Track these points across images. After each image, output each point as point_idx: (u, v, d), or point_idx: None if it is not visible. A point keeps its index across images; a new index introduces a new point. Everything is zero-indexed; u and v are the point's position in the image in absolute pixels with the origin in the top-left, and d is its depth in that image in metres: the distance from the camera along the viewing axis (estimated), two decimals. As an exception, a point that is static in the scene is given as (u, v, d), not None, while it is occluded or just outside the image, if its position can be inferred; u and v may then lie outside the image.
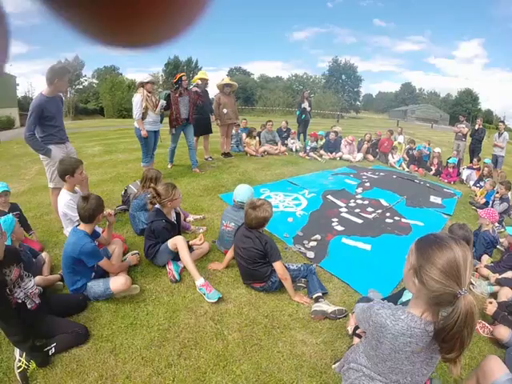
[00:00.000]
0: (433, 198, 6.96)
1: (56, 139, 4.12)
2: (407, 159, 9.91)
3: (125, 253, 3.67)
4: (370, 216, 5.46)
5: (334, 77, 63.77)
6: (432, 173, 9.30)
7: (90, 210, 2.93)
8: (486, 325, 2.88)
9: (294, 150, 10.14)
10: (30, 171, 7.51)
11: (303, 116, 10.82)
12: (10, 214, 3.13)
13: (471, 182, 8.47)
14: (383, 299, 2.09)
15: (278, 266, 3.05)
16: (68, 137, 4.38)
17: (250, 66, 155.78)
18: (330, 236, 4.53)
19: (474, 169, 9.03)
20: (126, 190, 5.03)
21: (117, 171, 7.43)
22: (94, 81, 65.03)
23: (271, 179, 7.00)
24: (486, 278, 3.70)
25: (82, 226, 2.99)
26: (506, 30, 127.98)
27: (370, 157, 10.28)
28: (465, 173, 9.11)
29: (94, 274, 3.03)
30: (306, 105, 10.72)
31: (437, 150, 9.81)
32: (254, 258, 3.09)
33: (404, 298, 2.64)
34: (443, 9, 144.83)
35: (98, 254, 2.93)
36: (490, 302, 2.99)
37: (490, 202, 6.28)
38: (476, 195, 7.33)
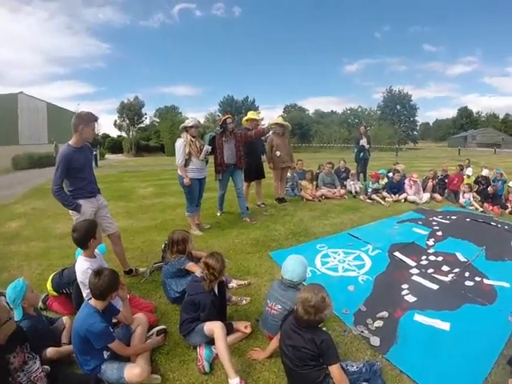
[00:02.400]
0: None
1: (86, 193, 3.82)
2: (478, 196, 8.95)
3: (153, 325, 3.20)
4: (446, 279, 4.56)
5: (389, 108, 62.59)
6: (508, 211, 8.24)
7: (102, 288, 2.56)
8: None
9: (353, 192, 9.29)
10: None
11: (362, 154, 10.08)
12: (21, 278, 2.79)
13: None
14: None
15: (335, 370, 2.35)
16: (99, 188, 4.12)
17: (305, 102, 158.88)
18: (399, 312, 3.69)
19: None
20: (165, 245, 4.57)
21: (164, 217, 7.22)
22: (156, 119, 68.85)
23: (329, 231, 6.24)
24: None
25: (94, 302, 2.62)
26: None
27: (438, 196, 9.25)
28: None
29: (108, 353, 2.63)
30: (364, 141, 10.07)
31: (511, 184, 8.65)
32: (304, 359, 2.42)
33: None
34: (490, 24, 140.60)
35: (108, 336, 2.54)
36: None
37: None
38: None
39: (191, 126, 5.65)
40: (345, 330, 3.31)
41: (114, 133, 73.80)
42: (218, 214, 7.07)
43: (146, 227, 6.51)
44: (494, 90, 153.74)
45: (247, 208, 6.95)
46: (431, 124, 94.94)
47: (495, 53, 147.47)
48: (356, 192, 9.17)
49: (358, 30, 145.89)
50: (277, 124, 7.57)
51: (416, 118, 66.00)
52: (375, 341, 3.16)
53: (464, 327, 3.44)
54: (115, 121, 69.85)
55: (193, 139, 5.65)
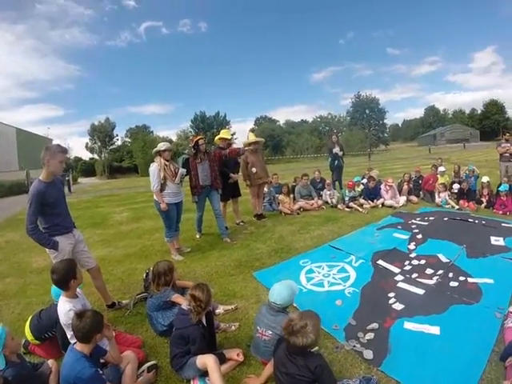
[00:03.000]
0: (494, 240, 6.21)
1: (62, 229, 3.66)
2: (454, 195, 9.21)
3: (142, 361, 3.06)
4: (431, 282, 4.61)
5: (359, 113, 64.06)
6: (484, 205, 8.53)
7: (85, 330, 2.46)
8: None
9: (330, 202, 9.33)
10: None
11: (336, 162, 10.20)
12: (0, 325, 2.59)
13: None
14: None
15: (333, 396, 2.28)
16: (74, 222, 3.95)
17: (275, 112, 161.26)
18: (388, 321, 3.67)
19: None
20: (147, 274, 4.47)
21: (142, 243, 7.05)
22: (127, 139, 68.24)
23: (311, 245, 6.21)
24: None
25: (79, 346, 2.50)
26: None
27: (414, 198, 9.46)
28: None
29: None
30: (337, 149, 10.20)
31: (485, 179, 8.94)
32: (300, 385, 2.34)
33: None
34: (451, 22, 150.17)
35: (99, 381, 2.43)
36: None
37: None
38: None
39: (164, 150, 5.50)
40: (337, 347, 3.25)
41: (86, 155, 73.13)
42: (198, 236, 6.96)
43: (124, 255, 6.32)
44: (458, 86, 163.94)
45: (226, 228, 6.88)
46: (400, 125, 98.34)
47: (457, 50, 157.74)
48: (333, 202, 9.22)
49: (322, 38, 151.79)
50: (251, 144, 7.56)
51: (385, 121, 68.04)
52: (368, 354, 3.12)
53: (453, 329, 3.45)
54: (86, 143, 69.27)
55: (167, 163, 5.51)
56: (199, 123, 61.22)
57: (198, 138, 6.26)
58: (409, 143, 73.54)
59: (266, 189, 8.54)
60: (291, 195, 8.95)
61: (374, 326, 3.55)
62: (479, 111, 77.14)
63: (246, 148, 7.28)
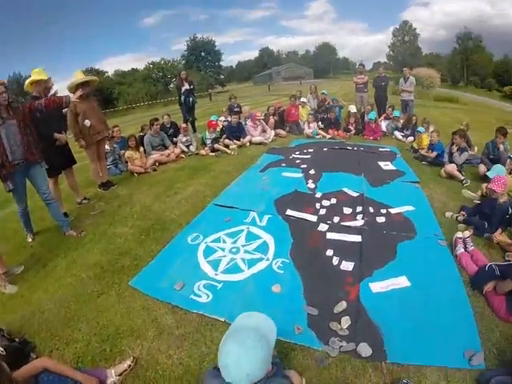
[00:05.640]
0: (384, 165, 6.36)
1: None
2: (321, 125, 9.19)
3: None
4: (358, 223, 4.09)
5: (194, 55, 63.35)
6: (353, 133, 8.93)
7: None
8: None
9: (187, 150, 7.91)
10: None
11: (190, 99, 8.85)
12: None
13: (398, 134, 8.45)
14: None
15: None
16: None
17: (104, 64, 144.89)
18: (352, 291, 2.85)
19: (390, 118, 8.96)
20: None
21: None
22: None
23: (189, 210, 4.80)
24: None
25: None
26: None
27: (282, 131, 9.08)
28: (383, 125, 9.06)
29: None
30: (186, 86, 8.73)
31: (352, 108, 9.26)
32: None
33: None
34: None
35: None
36: None
37: (446, 156, 6.10)
38: (414, 147, 7.31)
39: None
40: (320, 361, 2.25)
41: None
42: (29, 240, 4.61)
43: None
44: (291, 31, 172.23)
45: (66, 214, 4.79)
46: (234, 67, 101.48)
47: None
48: (190, 150, 7.92)
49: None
50: (79, 87, 5.35)
51: (221, 63, 69.11)
52: (364, 349, 2.32)
53: (417, 272, 3.14)
54: None
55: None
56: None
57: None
58: (245, 83, 76.39)
59: (107, 146, 6.50)
60: (141, 149, 7.08)
61: (342, 304, 2.70)
62: (312, 53, 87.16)
63: (74, 96, 5.08)
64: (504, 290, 2.65)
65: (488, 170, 4.88)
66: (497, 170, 4.44)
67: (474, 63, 52.27)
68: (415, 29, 64.39)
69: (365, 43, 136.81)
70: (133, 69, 67.05)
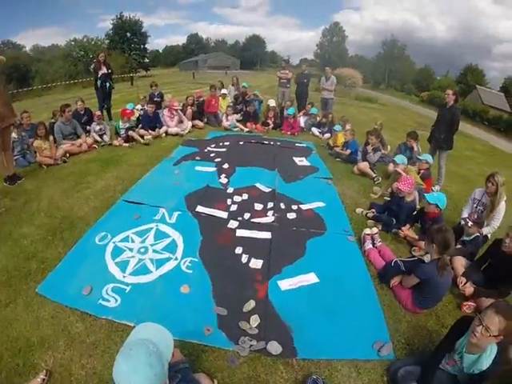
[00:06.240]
0: (298, 161, 6.60)
1: None
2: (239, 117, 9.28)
3: None
4: (269, 220, 4.16)
5: (119, 35, 58.97)
6: (271, 127, 9.05)
7: None
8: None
9: (101, 140, 7.32)
10: None
11: (107, 84, 8.25)
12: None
13: (315, 131, 8.80)
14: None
15: None
16: None
17: (20, 37, 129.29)
18: (261, 290, 2.91)
19: (309, 115, 9.34)
20: None
21: None
22: None
23: (99, 206, 4.48)
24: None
25: None
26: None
27: (199, 123, 8.88)
28: (302, 121, 9.41)
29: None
30: (104, 70, 8.13)
31: (271, 103, 9.63)
32: None
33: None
34: None
35: None
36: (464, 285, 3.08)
37: (361, 154, 6.33)
38: (329, 144, 7.50)
39: None
40: (232, 361, 2.28)
41: None
42: None
43: None
44: (223, 19, 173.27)
45: None
46: (161, 51, 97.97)
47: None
48: (104, 139, 7.37)
49: None
50: None
51: (147, 46, 65.65)
52: (274, 347, 2.39)
53: (325, 267, 3.29)
54: None
55: None
56: None
57: None
58: (169, 69, 73.98)
59: (14, 135, 5.79)
60: (51, 138, 6.42)
61: (251, 303, 2.75)
62: (241, 44, 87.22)
63: None
64: (409, 285, 2.87)
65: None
66: (400, 158, 5.07)
67: (396, 69, 56.23)
68: (344, 31, 68.09)
69: (296, 39, 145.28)
70: (53, 44, 61.38)
